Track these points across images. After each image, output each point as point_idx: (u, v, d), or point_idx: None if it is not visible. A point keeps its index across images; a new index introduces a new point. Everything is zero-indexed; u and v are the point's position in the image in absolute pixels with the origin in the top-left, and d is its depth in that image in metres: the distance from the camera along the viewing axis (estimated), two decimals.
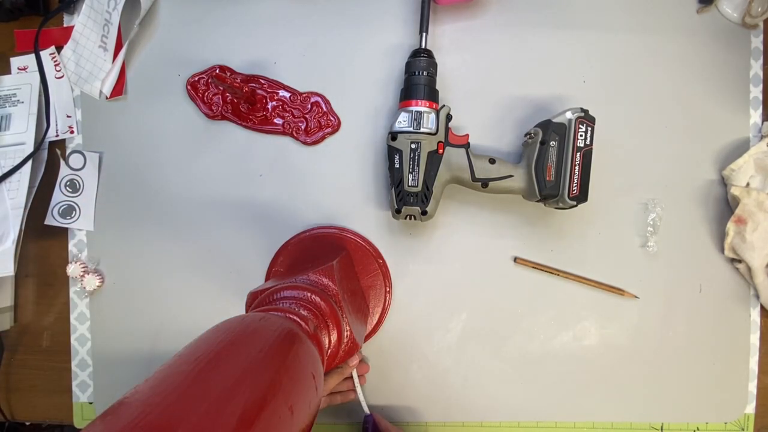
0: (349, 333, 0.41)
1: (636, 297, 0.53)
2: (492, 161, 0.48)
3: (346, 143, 0.54)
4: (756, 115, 0.54)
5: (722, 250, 0.54)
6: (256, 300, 0.41)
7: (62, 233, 0.55)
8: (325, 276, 0.43)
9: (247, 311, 0.41)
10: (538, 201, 0.49)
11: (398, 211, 0.48)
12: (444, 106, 0.48)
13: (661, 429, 0.55)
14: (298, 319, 0.35)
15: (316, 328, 0.37)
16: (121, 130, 0.54)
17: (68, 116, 0.54)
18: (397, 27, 0.53)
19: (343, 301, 0.42)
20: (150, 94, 0.54)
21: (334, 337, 0.39)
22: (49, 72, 0.53)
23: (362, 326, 0.48)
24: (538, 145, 0.47)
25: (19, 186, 0.51)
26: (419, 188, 0.47)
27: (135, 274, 0.55)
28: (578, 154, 0.46)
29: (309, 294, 0.39)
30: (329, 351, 0.39)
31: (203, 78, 0.53)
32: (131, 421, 0.20)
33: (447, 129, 0.48)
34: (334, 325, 0.39)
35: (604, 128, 0.49)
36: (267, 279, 0.53)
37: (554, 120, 0.47)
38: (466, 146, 0.48)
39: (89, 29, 0.53)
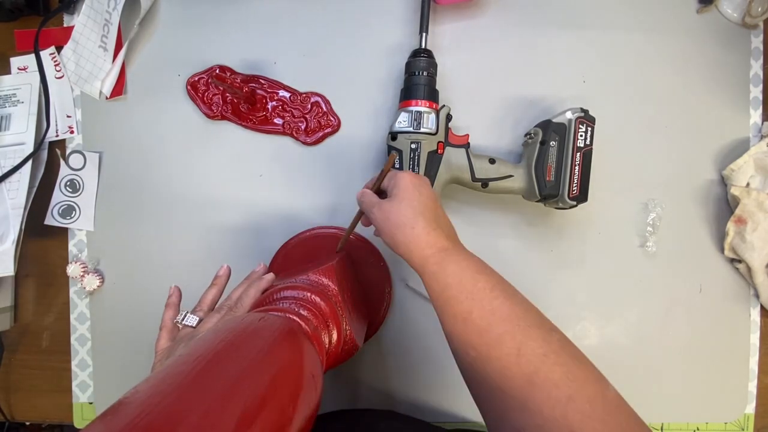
0: (349, 333, 0.41)
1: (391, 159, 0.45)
2: (492, 161, 0.48)
3: (346, 143, 0.54)
4: (756, 115, 0.54)
5: (722, 250, 0.53)
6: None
7: (62, 233, 0.55)
8: (325, 276, 0.43)
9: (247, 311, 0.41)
10: (538, 201, 0.49)
11: None
12: (444, 106, 0.48)
13: (661, 429, 0.55)
14: (297, 319, 0.35)
15: (315, 328, 0.37)
16: (121, 130, 0.54)
17: (68, 116, 0.54)
18: (397, 27, 0.53)
19: (343, 301, 0.42)
20: (150, 94, 0.54)
21: (334, 337, 0.39)
22: (49, 72, 0.53)
23: (362, 326, 0.48)
24: (538, 145, 0.47)
25: (19, 186, 0.51)
26: None
27: (135, 274, 0.55)
28: (578, 154, 0.46)
29: (309, 294, 0.39)
30: (329, 351, 0.39)
31: (203, 78, 0.53)
32: (131, 420, 0.20)
33: (447, 129, 0.48)
34: (333, 325, 0.39)
35: (604, 128, 0.49)
36: None
37: (554, 120, 0.47)
38: (466, 146, 0.48)
39: (89, 29, 0.53)
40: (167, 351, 0.38)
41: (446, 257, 0.36)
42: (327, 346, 0.38)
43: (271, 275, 0.44)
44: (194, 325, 0.39)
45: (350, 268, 0.51)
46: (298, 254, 0.52)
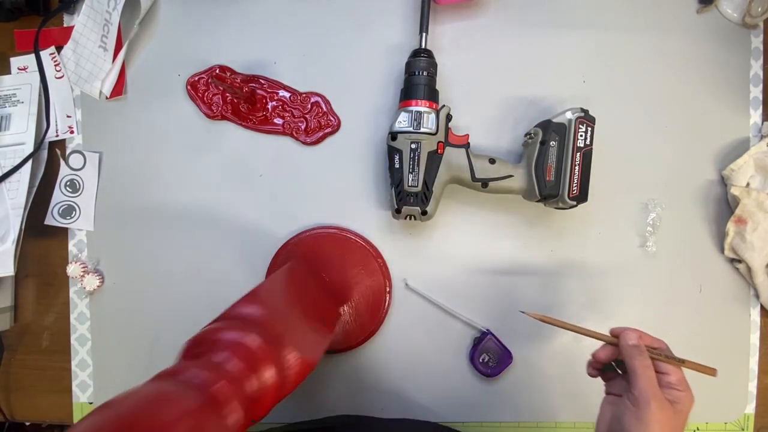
0: (293, 357, 0.37)
1: (714, 372, 0.42)
2: (492, 161, 0.48)
3: (346, 143, 0.54)
4: (756, 115, 0.54)
5: (722, 250, 0.53)
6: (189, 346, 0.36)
7: (62, 233, 0.55)
8: (251, 303, 0.38)
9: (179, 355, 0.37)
10: (538, 201, 0.49)
11: (398, 211, 0.48)
12: (444, 106, 0.48)
13: None
14: (218, 389, 0.31)
15: (242, 385, 0.33)
16: (121, 130, 0.54)
17: (68, 116, 0.54)
18: (397, 27, 0.53)
19: (281, 320, 0.38)
20: (150, 94, 0.54)
21: (269, 374, 0.35)
22: (49, 72, 0.53)
23: (323, 336, 0.43)
24: (538, 145, 0.47)
25: (19, 186, 0.51)
26: (419, 188, 0.47)
27: (135, 274, 0.54)
28: (578, 154, 0.46)
29: (232, 333, 0.35)
30: (265, 389, 0.35)
31: (203, 78, 0.53)
32: None
33: (447, 129, 0.48)
34: (267, 360, 0.35)
35: (604, 128, 0.49)
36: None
37: (554, 120, 0.47)
38: (466, 146, 0.48)
39: (89, 29, 0.53)
40: None
41: None
42: (257, 387, 0.34)
43: None
44: None
45: (301, 272, 0.47)
46: (298, 254, 0.52)
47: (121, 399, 0.29)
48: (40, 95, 0.53)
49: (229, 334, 0.35)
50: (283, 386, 0.37)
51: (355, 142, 0.53)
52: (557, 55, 0.53)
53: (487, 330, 0.53)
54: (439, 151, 0.47)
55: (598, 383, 0.57)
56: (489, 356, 0.52)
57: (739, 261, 0.53)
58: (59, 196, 0.54)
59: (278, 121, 0.53)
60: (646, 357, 0.38)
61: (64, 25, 0.54)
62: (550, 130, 0.47)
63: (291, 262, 0.48)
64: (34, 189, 0.53)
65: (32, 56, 0.53)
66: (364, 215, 0.54)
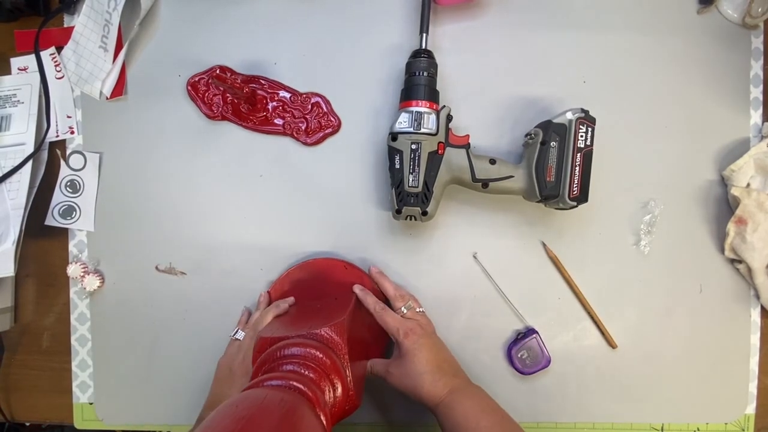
0: (351, 386, 0.41)
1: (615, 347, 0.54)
2: (492, 162, 0.48)
3: (347, 144, 0.54)
4: (756, 116, 0.54)
5: (722, 250, 0.53)
6: (264, 352, 0.40)
7: (62, 234, 0.55)
8: (336, 333, 0.42)
9: (254, 357, 0.41)
10: (538, 201, 0.49)
11: (399, 212, 0.48)
12: (444, 106, 0.48)
13: (661, 429, 0.55)
14: (302, 387, 0.34)
15: (319, 387, 0.36)
16: (121, 131, 0.54)
17: (68, 117, 0.54)
18: (397, 27, 0.53)
19: (349, 356, 0.42)
20: (150, 95, 0.54)
21: (339, 390, 0.39)
22: (49, 72, 0.53)
23: (362, 378, 0.47)
24: (538, 145, 0.47)
25: (20, 186, 0.51)
26: (419, 189, 0.47)
27: (135, 274, 0.54)
28: (578, 154, 0.46)
29: (315, 352, 0.39)
30: (335, 404, 0.38)
31: (204, 78, 0.53)
32: None
33: (447, 129, 0.48)
34: (338, 379, 0.39)
35: (605, 129, 0.49)
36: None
37: (554, 120, 0.47)
38: (467, 147, 0.48)
39: (89, 29, 0.53)
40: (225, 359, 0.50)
41: (454, 399, 0.43)
42: (332, 400, 0.38)
43: (291, 299, 0.50)
44: (241, 339, 0.50)
45: (360, 312, 0.50)
46: (301, 284, 0.52)
47: (219, 411, 0.31)
48: (40, 96, 0.53)
49: (294, 349, 0.40)
50: (342, 411, 0.40)
51: (356, 142, 0.53)
52: (557, 55, 0.53)
53: (534, 329, 0.53)
54: (439, 151, 0.47)
55: (598, 384, 0.57)
56: (528, 354, 0.52)
57: (740, 261, 0.53)
58: (59, 197, 0.54)
59: (278, 121, 0.53)
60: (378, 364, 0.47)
61: (65, 26, 0.54)
62: (550, 130, 0.47)
63: (353, 304, 0.49)
64: (35, 189, 0.53)
65: (32, 57, 0.53)
66: (365, 215, 0.54)
